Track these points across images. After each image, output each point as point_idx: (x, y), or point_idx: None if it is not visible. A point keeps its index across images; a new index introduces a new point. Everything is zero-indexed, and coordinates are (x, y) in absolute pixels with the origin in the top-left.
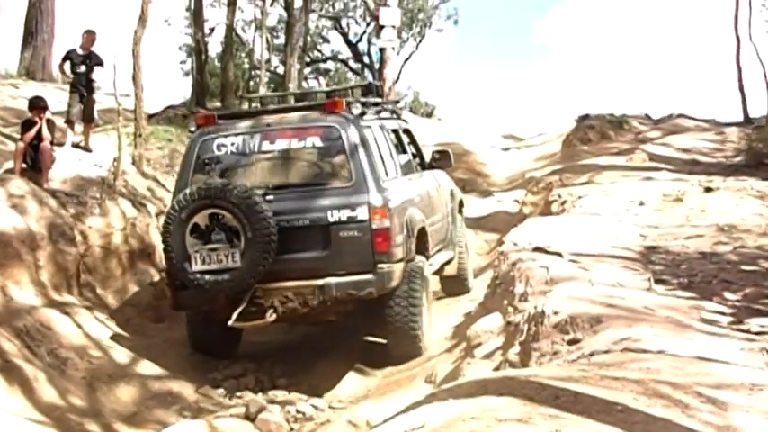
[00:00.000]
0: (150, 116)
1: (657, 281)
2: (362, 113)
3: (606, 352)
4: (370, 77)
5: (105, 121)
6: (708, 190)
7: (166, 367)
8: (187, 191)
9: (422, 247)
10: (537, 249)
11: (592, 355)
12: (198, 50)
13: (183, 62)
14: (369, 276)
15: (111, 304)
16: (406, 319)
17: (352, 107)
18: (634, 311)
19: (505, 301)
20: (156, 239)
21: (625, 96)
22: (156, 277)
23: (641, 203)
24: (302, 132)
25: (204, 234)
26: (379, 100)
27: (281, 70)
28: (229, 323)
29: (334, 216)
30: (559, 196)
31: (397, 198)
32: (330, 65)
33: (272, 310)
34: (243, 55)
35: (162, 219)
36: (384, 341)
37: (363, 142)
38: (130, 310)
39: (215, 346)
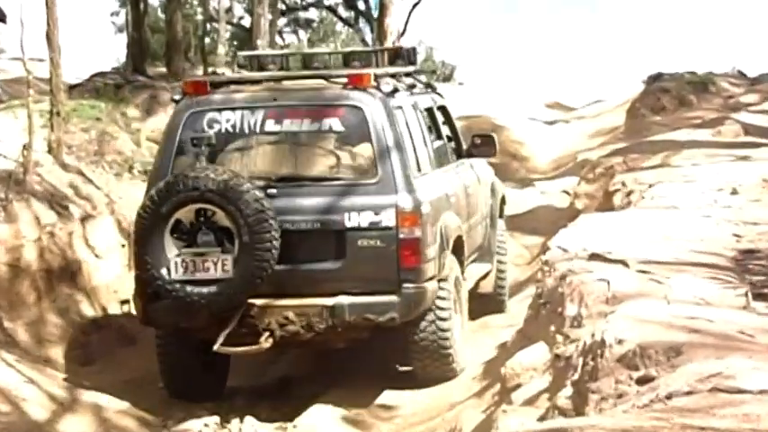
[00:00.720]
0: (72, 87)
1: (757, 296)
2: (394, 90)
3: (689, 393)
4: (367, 31)
5: (11, 95)
6: None
7: (99, 424)
8: (169, 178)
9: (457, 259)
10: (594, 257)
11: (669, 397)
12: None
13: (114, 14)
14: (392, 298)
15: (23, 341)
16: (434, 338)
17: (381, 83)
18: (726, 338)
19: (552, 328)
20: (84, 253)
21: (708, 54)
22: (84, 303)
23: (734, 192)
24: (318, 112)
25: (188, 234)
26: (411, 69)
27: (246, 22)
28: (214, 348)
29: (352, 220)
30: (623, 185)
31: (431, 199)
32: (313, 13)
33: (267, 334)
34: (195, 3)
35: (88, 223)
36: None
37: (394, 128)
38: (50, 349)
39: (196, 383)
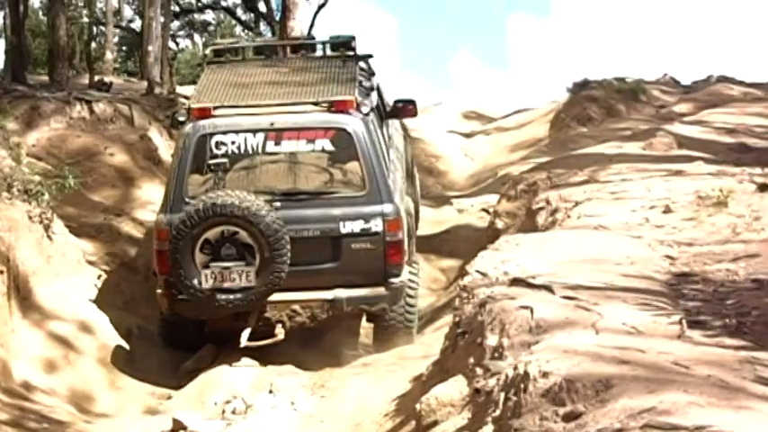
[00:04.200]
0: None
1: (692, 323)
2: (371, 110)
3: (619, 430)
4: (268, 34)
5: None
6: (763, 188)
7: None
8: (200, 205)
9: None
10: (516, 282)
11: None
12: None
13: None
14: (381, 290)
15: None
16: (403, 318)
17: (361, 106)
18: (659, 370)
19: (471, 359)
20: None
21: (638, 60)
22: None
23: (667, 210)
24: (311, 134)
25: (215, 249)
26: (362, 70)
27: (137, 25)
28: (241, 344)
29: (346, 227)
30: (548, 203)
31: (401, 198)
32: (209, 15)
33: (280, 326)
34: (81, 4)
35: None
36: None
37: (374, 146)
38: None
39: (186, 339)
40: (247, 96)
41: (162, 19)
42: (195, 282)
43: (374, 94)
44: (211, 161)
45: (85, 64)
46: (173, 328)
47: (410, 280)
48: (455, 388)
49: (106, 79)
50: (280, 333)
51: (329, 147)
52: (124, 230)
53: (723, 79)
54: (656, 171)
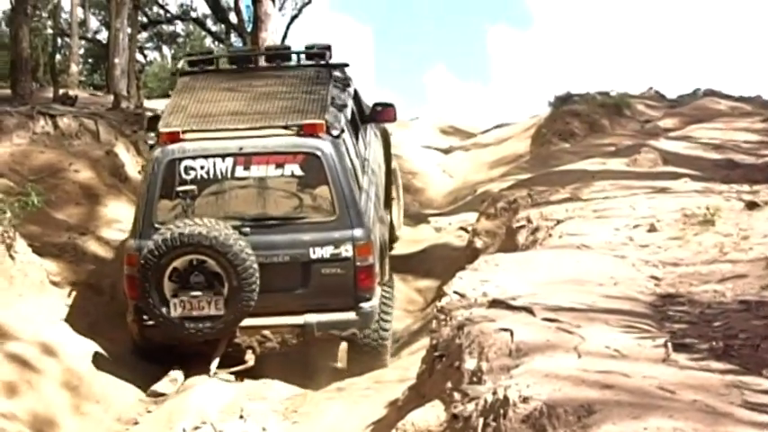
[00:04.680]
0: None
1: (678, 347)
2: (341, 132)
3: None
4: (239, 45)
5: None
6: (752, 206)
7: None
8: (168, 235)
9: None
10: (495, 303)
11: None
12: None
13: None
14: (352, 315)
15: None
16: (376, 339)
17: (331, 128)
18: (644, 394)
19: (449, 384)
20: None
21: (623, 74)
22: None
23: (652, 229)
24: (280, 158)
25: (183, 278)
26: (337, 81)
27: (103, 36)
28: (210, 374)
29: (316, 253)
30: (528, 221)
31: (371, 218)
32: (179, 26)
33: (250, 351)
34: (44, 15)
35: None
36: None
37: (344, 170)
38: None
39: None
40: (217, 119)
41: (129, 30)
42: (164, 310)
43: (349, 108)
44: (180, 188)
45: (49, 77)
46: (145, 350)
47: (383, 302)
48: (432, 413)
49: (71, 93)
50: (250, 359)
51: (299, 171)
52: (89, 250)
53: (710, 93)
54: (640, 188)
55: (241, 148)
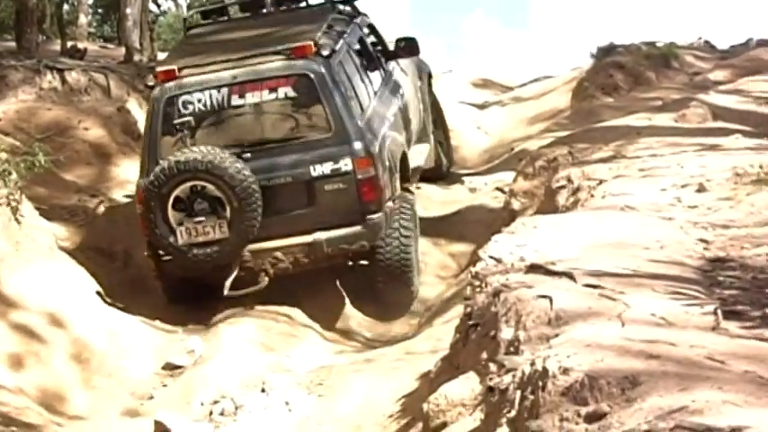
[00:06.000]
0: None
1: (729, 314)
2: (332, 52)
3: None
4: None
5: None
6: None
7: None
8: (165, 164)
9: (404, 174)
10: (534, 269)
11: None
12: None
13: None
14: (359, 229)
15: None
16: (399, 258)
17: (321, 49)
18: (692, 365)
19: (484, 355)
20: None
21: (671, 24)
22: None
23: (701, 189)
24: (272, 83)
25: (187, 205)
26: (337, 10)
27: None
28: (224, 294)
29: (317, 170)
30: (569, 181)
31: (377, 134)
32: None
33: (263, 273)
34: None
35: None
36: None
37: (337, 86)
38: None
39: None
40: (212, 55)
41: None
42: (171, 239)
43: (352, 36)
44: (177, 120)
45: (57, 28)
46: (168, 290)
47: (401, 219)
48: (466, 386)
49: (80, 45)
50: (263, 281)
51: (292, 93)
52: (100, 213)
53: (764, 43)
54: (688, 145)
55: (235, 78)
